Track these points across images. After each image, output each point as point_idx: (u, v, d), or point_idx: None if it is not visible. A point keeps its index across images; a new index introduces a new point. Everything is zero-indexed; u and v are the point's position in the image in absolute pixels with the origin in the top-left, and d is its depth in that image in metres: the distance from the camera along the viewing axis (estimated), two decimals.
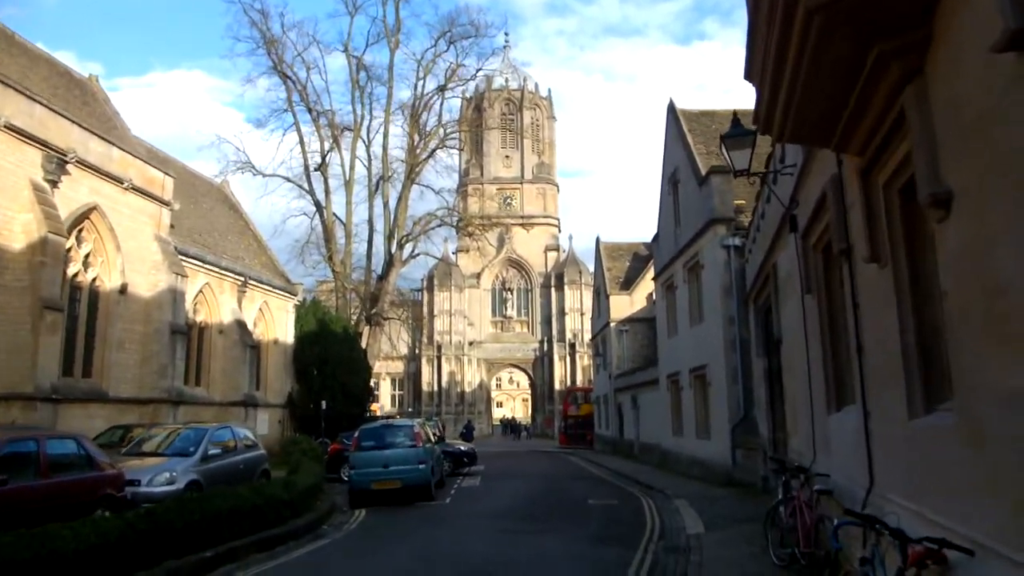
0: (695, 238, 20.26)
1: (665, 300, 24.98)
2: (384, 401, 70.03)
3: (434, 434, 25.98)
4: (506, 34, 74.89)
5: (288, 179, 38.16)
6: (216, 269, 25.08)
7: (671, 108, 23.55)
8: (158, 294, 21.64)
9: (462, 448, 22.52)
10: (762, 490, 15.25)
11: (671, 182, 23.46)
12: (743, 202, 19.48)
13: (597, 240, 45.06)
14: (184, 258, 23.19)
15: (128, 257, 20.89)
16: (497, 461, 29.78)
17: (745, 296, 17.56)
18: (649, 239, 30.32)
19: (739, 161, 9.68)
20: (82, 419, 18.69)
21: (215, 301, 25.33)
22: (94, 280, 20.21)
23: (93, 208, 19.76)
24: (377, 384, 70.85)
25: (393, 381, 71.43)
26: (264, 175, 37.97)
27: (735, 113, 9.80)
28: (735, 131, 9.69)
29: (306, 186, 38.03)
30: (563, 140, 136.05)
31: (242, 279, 26.49)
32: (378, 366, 68.89)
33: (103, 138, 20.34)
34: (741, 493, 15.71)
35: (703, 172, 19.61)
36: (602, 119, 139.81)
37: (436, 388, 66.54)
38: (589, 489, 18.30)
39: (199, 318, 24.91)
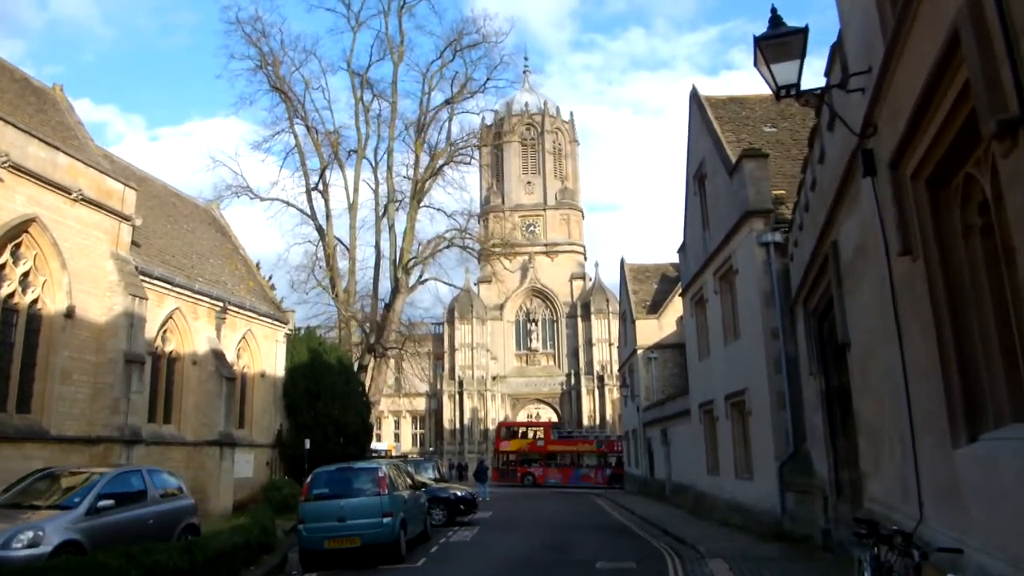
0: (727, 238, 17.10)
1: (695, 318, 21.73)
2: (404, 440, 66.99)
3: (433, 478, 22.86)
4: (525, 58, 72.56)
5: (288, 203, 35.70)
6: (188, 293, 22.36)
7: (694, 95, 20.58)
8: (113, 319, 18.97)
9: (458, 494, 19.25)
10: (823, 547, 11.88)
11: (696, 179, 20.39)
12: (783, 192, 16.36)
13: (622, 262, 42.08)
14: (148, 279, 20.53)
15: (77, 277, 18.27)
16: (509, 505, 26.51)
17: (791, 302, 14.35)
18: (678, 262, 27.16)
19: (783, 74, 6.61)
20: (16, 460, 15.88)
21: (187, 328, 22.57)
22: (34, 302, 17.57)
23: (32, 220, 17.20)
24: (397, 422, 67.94)
25: (414, 419, 68.40)
26: (262, 198, 35.59)
27: (774, 9, 6.77)
28: (777, 31, 6.62)
29: (307, 210, 35.59)
30: (592, 173, 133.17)
31: (221, 304, 23.76)
32: (398, 403, 66.40)
33: (46, 142, 17.85)
34: (795, 551, 12.32)
35: (733, 160, 16.55)
36: (632, 153, 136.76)
37: (458, 425, 63.39)
38: (604, 544, 14.96)
39: (169, 347, 22.17)
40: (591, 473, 43.40)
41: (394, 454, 53.55)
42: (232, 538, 10.76)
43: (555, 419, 66.94)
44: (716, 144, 17.92)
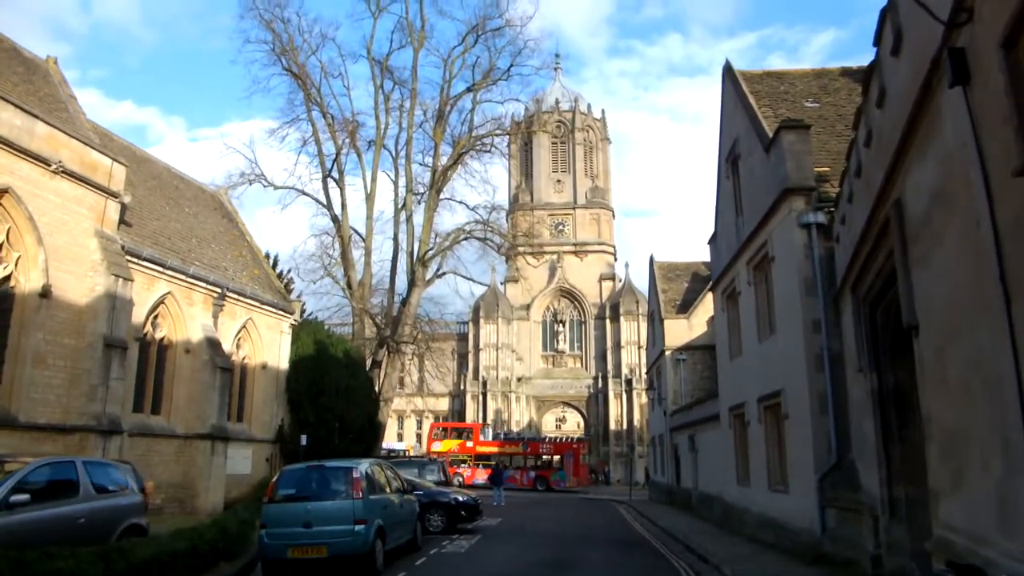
0: (763, 222, 15.23)
1: (726, 313, 19.83)
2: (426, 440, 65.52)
3: (436, 481, 21.26)
4: (556, 55, 70.53)
5: (302, 191, 34.33)
6: (181, 277, 21.00)
7: (727, 70, 18.72)
8: (94, 300, 17.69)
9: (459, 498, 17.49)
10: None
11: (729, 162, 18.53)
12: (826, 169, 14.48)
13: (651, 260, 40.17)
14: (136, 260, 19.24)
15: (55, 254, 17.01)
16: (521, 512, 24.78)
17: (835, 290, 12.46)
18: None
19: None
20: None
21: (181, 315, 21.23)
22: (7, 280, 16.34)
23: (4, 191, 15.96)
24: (420, 422, 66.43)
25: (437, 419, 66.82)
26: (276, 187, 34.28)
27: None
28: None
29: (323, 199, 34.26)
30: (628, 178, 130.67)
31: (218, 291, 22.39)
32: (420, 403, 64.88)
33: (22, 108, 16.60)
34: None
35: (771, 134, 14.69)
36: (669, 159, 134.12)
37: None
38: (615, 562, 13.16)
39: (160, 334, 20.86)
40: (516, 475, 43.94)
41: (412, 454, 52.33)
42: (173, 543, 9.22)
43: (582, 423, 64.97)
44: (752, 120, 16.06)
